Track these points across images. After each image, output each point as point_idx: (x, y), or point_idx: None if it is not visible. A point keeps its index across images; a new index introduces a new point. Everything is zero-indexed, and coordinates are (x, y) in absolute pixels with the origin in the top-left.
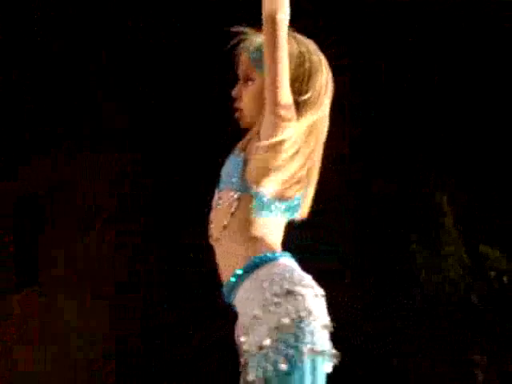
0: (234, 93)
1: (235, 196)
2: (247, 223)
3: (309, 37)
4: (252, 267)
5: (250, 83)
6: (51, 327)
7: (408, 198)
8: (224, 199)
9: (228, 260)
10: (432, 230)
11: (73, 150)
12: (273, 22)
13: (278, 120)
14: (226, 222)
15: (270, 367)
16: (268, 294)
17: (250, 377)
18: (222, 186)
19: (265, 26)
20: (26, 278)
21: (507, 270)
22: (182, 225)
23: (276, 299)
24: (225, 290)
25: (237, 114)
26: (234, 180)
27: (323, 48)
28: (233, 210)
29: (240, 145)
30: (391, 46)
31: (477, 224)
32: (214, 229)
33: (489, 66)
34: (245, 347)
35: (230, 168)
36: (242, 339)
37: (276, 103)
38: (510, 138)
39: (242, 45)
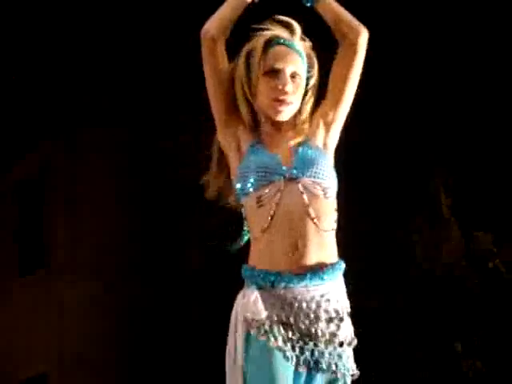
0: (289, 88)
1: (325, 185)
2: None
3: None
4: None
5: (297, 79)
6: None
7: (404, 186)
8: (317, 188)
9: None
10: (429, 216)
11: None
12: (365, 42)
13: None
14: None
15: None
16: None
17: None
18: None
19: (355, 46)
20: (32, 262)
21: (498, 254)
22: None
23: None
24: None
25: (285, 108)
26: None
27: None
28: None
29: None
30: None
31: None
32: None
33: (479, 58)
34: (340, 334)
35: (306, 158)
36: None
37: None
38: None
39: (286, 43)
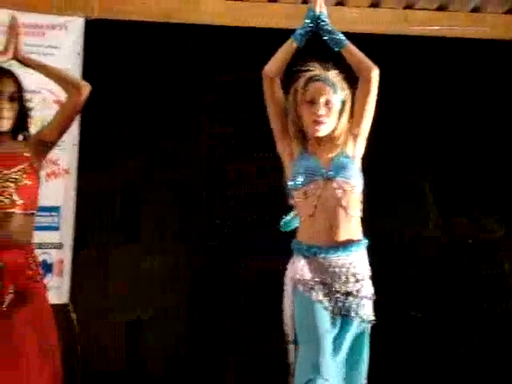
0: (322, 112)
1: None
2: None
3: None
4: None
5: (330, 104)
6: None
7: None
8: (347, 186)
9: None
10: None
11: None
12: (376, 77)
13: None
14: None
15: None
16: None
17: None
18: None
19: (369, 80)
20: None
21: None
22: None
23: None
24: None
25: (321, 127)
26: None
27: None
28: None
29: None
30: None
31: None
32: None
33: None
34: (363, 290)
35: (339, 163)
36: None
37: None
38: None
39: (318, 76)
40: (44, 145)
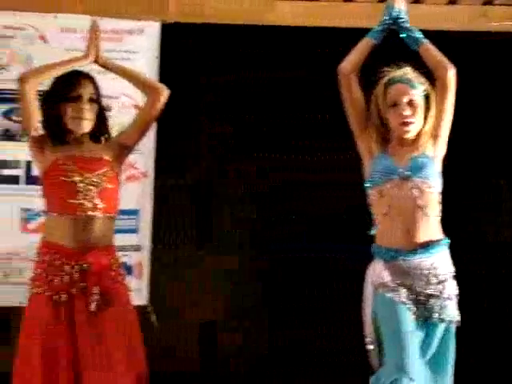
0: (407, 112)
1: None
2: None
3: None
4: None
5: (413, 103)
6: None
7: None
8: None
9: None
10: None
11: None
12: (453, 76)
13: None
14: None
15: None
16: None
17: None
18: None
19: (446, 80)
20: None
21: None
22: None
23: None
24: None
25: (409, 127)
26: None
27: None
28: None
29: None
30: None
31: None
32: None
33: None
34: (446, 291)
35: (418, 163)
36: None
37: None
38: None
39: (401, 78)
40: (124, 149)
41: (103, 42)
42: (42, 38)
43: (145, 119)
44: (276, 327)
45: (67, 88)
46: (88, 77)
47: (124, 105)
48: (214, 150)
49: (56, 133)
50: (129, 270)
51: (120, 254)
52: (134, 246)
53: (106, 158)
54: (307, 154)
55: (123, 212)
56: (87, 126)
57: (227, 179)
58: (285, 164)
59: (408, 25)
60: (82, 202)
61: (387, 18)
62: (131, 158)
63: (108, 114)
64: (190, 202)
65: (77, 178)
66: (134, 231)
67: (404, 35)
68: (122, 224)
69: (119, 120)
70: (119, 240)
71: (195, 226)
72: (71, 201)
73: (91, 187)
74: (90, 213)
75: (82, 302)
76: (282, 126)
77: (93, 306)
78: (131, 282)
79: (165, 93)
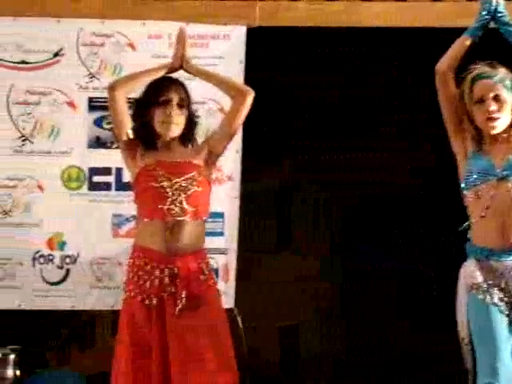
0: (493, 108)
1: None
2: None
3: None
4: None
5: (500, 98)
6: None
7: None
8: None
9: None
10: None
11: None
12: None
13: None
14: None
15: None
16: None
17: None
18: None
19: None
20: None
21: None
22: None
23: None
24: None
25: (495, 123)
26: None
27: None
28: None
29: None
30: None
31: None
32: None
33: None
34: None
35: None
36: None
37: None
38: None
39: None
40: (212, 154)
41: (190, 48)
42: (131, 45)
43: (231, 123)
44: (355, 330)
45: (157, 93)
46: (178, 82)
47: (210, 109)
48: (297, 153)
49: (146, 138)
50: (215, 273)
51: None
52: (221, 249)
53: (195, 162)
54: (390, 157)
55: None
56: (176, 130)
57: (309, 183)
58: (368, 168)
59: (507, 19)
60: (170, 206)
61: (485, 13)
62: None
63: (197, 116)
64: (272, 206)
65: (165, 183)
66: (220, 234)
67: (502, 30)
68: (208, 227)
69: (206, 124)
70: (206, 243)
71: (277, 230)
72: (161, 206)
73: (179, 192)
74: (178, 217)
75: (172, 306)
76: (371, 129)
77: (177, 310)
78: (218, 285)
79: (250, 95)
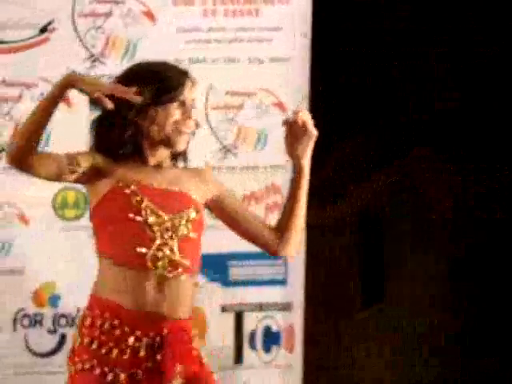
0: None
1: None
2: None
3: None
4: None
5: None
6: (394, 346)
7: None
8: None
9: None
10: None
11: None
12: None
13: None
14: None
15: None
16: None
17: None
18: None
19: None
20: (373, 294)
21: None
22: None
23: None
24: None
25: None
26: None
27: None
28: None
29: None
30: None
31: None
32: None
33: None
34: None
35: None
36: None
37: None
38: None
39: None
40: (216, 208)
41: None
42: (149, 14)
43: (250, 236)
44: None
45: (169, 86)
46: (190, 77)
47: (262, 104)
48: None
49: (127, 142)
50: (275, 338)
51: (261, 315)
52: (282, 304)
53: (193, 195)
54: None
55: (264, 255)
56: (187, 142)
57: (406, 207)
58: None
59: None
60: (157, 253)
61: None
62: (274, 178)
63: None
64: (353, 241)
65: (152, 219)
66: (281, 282)
67: None
68: (262, 272)
69: (257, 126)
70: (260, 295)
71: (361, 275)
72: (140, 250)
73: (171, 233)
74: (167, 270)
75: None
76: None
77: None
78: (278, 355)
79: (282, 253)
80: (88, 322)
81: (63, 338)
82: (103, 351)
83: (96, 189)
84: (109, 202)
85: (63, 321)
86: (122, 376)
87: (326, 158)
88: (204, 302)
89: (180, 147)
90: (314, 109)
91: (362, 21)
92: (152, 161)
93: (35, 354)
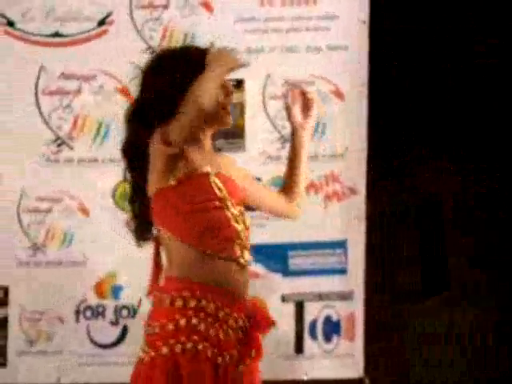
0: None
1: None
2: None
3: None
4: None
5: None
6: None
7: None
8: None
9: None
10: None
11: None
12: None
13: None
14: None
15: None
16: None
17: None
18: None
19: None
20: (435, 284)
21: None
22: None
23: None
24: None
25: None
26: None
27: None
28: None
29: None
30: None
31: None
32: None
33: None
34: None
35: None
36: None
37: None
38: None
39: None
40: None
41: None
42: (206, 4)
43: (272, 211)
44: None
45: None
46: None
47: (320, 92)
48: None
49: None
50: (336, 327)
51: (320, 305)
52: (343, 293)
53: (240, 183)
54: None
55: (324, 245)
56: None
57: (468, 197)
58: None
59: None
60: (246, 243)
61: None
62: (333, 166)
63: None
64: (413, 230)
65: (233, 211)
66: (341, 271)
67: None
68: (322, 261)
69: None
70: (320, 284)
71: (421, 265)
72: (239, 241)
73: (242, 224)
74: (244, 258)
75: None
76: None
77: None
78: (338, 344)
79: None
80: (180, 303)
81: (125, 329)
82: (212, 333)
83: (170, 173)
84: (187, 188)
85: (125, 312)
86: (227, 358)
87: (385, 145)
88: (265, 292)
89: (229, 123)
90: (373, 96)
91: (423, 4)
92: (207, 145)
93: (98, 345)
